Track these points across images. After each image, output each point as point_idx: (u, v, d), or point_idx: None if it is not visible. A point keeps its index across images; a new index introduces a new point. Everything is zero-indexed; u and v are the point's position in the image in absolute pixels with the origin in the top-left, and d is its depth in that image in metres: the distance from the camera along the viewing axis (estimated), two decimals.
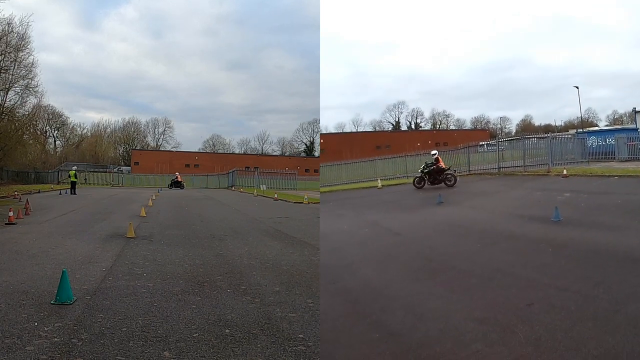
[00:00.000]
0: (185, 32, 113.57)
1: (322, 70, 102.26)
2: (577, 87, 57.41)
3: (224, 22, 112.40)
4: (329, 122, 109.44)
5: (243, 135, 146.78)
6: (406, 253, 7.82)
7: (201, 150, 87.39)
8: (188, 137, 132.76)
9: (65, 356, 3.77)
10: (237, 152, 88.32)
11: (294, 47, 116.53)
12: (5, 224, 12.63)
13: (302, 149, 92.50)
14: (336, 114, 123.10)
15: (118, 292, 5.82)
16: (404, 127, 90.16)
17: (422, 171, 19.60)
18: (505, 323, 4.20)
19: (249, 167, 57.14)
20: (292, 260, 8.14)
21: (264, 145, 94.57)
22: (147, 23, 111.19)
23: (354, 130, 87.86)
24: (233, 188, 43.99)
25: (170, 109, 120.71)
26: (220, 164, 68.64)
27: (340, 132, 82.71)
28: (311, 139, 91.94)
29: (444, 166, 19.54)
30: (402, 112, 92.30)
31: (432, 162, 19.58)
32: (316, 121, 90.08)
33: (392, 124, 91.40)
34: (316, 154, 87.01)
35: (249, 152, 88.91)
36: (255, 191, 35.44)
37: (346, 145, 61.65)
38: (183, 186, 41.58)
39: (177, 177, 43.49)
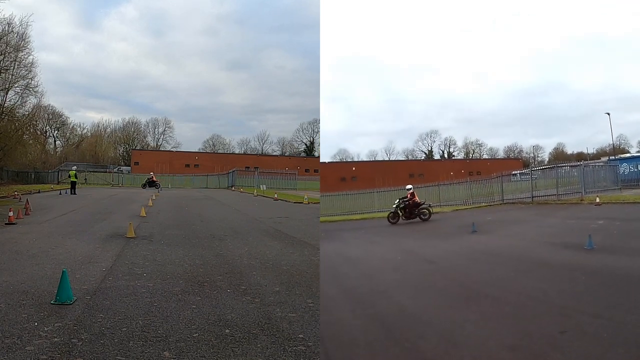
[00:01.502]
0: (186, 31, 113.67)
1: (353, 96, 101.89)
2: (608, 114, 56.48)
3: (225, 21, 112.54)
4: (362, 149, 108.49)
5: (243, 135, 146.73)
6: (441, 280, 7.82)
7: (201, 150, 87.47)
8: (188, 137, 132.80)
9: (65, 356, 3.77)
10: (237, 152, 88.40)
11: (295, 47, 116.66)
12: (5, 224, 12.63)
13: (302, 149, 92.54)
14: (369, 141, 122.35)
15: (118, 292, 5.82)
16: (436, 156, 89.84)
17: (397, 206, 19.24)
18: (538, 351, 4.17)
19: (249, 167, 57.18)
20: (292, 260, 8.14)
21: (264, 145, 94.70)
22: (147, 22, 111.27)
23: (386, 158, 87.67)
24: (233, 188, 44.01)
25: (171, 109, 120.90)
26: (220, 164, 68.67)
27: (373, 160, 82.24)
28: (311, 139, 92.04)
29: (418, 200, 19.38)
30: (434, 141, 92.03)
31: (406, 197, 19.33)
32: (316, 121, 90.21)
33: (425, 153, 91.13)
34: (316, 154, 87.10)
35: (249, 152, 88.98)
36: (255, 191, 35.46)
37: (379, 173, 61.49)
38: (158, 185, 41.40)
39: (152, 177, 43.30)
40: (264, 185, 42.68)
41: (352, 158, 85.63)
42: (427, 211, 19.17)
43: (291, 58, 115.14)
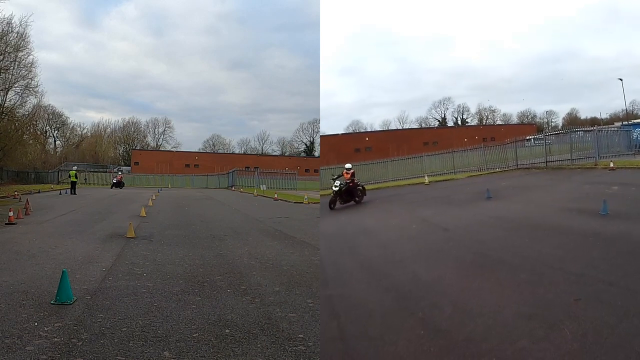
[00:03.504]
0: (187, 30, 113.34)
1: (366, 67, 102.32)
2: (620, 80, 57.03)
3: (226, 20, 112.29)
4: (375, 120, 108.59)
5: (244, 135, 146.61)
6: (456, 248, 7.81)
7: (201, 150, 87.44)
8: (189, 137, 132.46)
9: (65, 356, 3.77)
10: (237, 152, 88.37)
11: (296, 46, 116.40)
12: (5, 224, 12.62)
13: (302, 149, 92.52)
14: (383, 111, 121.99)
15: (118, 292, 5.82)
16: (450, 123, 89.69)
17: (337, 191, 16.30)
18: (553, 319, 4.18)
19: (249, 167, 57.16)
20: (292, 260, 8.14)
21: (264, 145, 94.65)
22: (148, 21, 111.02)
23: (400, 127, 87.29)
24: (233, 188, 44.02)
25: (171, 108, 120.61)
26: (220, 164, 68.65)
27: (386, 130, 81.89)
28: (311, 139, 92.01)
29: (357, 181, 17.22)
30: (447, 109, 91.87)
31: (341, 177, 16.75)
32: (316, 121, 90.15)
33: (439, 121, 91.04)
34: (316, 154, 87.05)
35: (249, 152, 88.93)
36: (255, 191, 35.46)
37: (393, 143, 61.26)
38: (122, 185, 43.52)
39: (118, 178, 44.84)
40: (264, 185, 42.67)
41: (366, 128, 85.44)
42: (360, 192, 17.15)
43: (292, 57, 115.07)
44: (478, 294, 5.20)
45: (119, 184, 43.11)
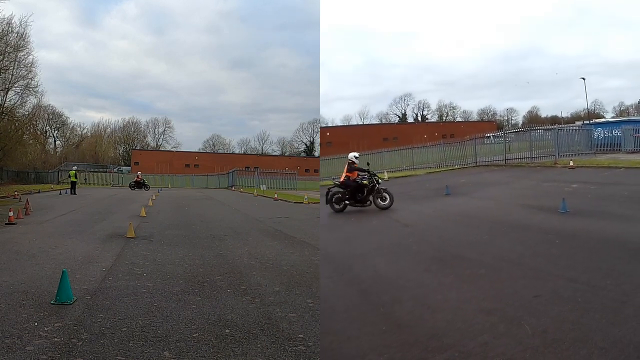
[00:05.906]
0: (188, 29, 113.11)
1: (332, 61, 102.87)
2: (583, 79, 58.08)
3: (227, 19, 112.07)
4: (337, 114, 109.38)
5: (244, 135, 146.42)
6: (416, 244, 7.87)
7: (201, 150, 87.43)
8: (189, 137, 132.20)
9: (65, 356, 3.77)
10: (237, 152, 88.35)
11: (298, 46, 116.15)
12: (5, 224, 12.62)
13: (302, 149, 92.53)
14: (345, 106, 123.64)
15: (118, 292, 5.82)
16: (410, 120, 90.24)
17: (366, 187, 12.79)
18: (513, 314, 4.22)
19: (249, 167, 57.15)
20: (292, 260, 8.14)
21: (264, 145, 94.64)
22: (148, 20, 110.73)
23: (360, 122, 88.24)
24: (233, 188, 44.02)
25: (171, 108, 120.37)
26: (220, 164, 68.64)
27: (347, 125, 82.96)
28: (311, 138, 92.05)
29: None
30: (408, 105, 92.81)
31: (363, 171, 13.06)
32: (316, 121, 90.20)
33: (399, 117, 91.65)
34: (316, 154, 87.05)
35: (249, 152, 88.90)
36: (255, 191, 35.46)
37: (353, 138, 61.62)
38: (145, 186, 36.99)
39: (137, 177, 37.91)
40: (264, 185, 42.67)
41: (327, 123, 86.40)
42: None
43: (293, 57, 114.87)
44: (439, 289, 5.26)
45: (141, 185, 36.69)
